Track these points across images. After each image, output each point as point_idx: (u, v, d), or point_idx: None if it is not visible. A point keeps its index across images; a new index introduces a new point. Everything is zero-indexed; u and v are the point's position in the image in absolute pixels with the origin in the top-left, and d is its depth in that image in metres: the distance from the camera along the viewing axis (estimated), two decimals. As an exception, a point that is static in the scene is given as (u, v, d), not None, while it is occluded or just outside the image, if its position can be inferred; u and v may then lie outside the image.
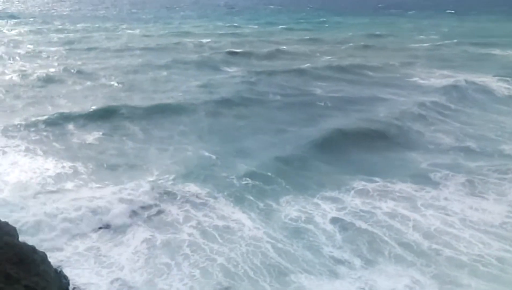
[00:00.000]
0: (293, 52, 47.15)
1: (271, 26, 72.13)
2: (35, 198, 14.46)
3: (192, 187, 15.67)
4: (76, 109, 24.09)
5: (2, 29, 61.77)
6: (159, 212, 14.28)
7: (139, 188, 15.33)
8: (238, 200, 15.12)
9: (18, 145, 18.99)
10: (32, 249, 9.14)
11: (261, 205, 14.96)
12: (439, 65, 40.42)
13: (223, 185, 15.99)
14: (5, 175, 16.02)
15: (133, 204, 14.27)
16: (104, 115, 23.19)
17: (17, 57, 39.85)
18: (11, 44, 47.27)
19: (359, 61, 41.17)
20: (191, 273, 11.49)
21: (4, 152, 18.18)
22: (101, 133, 21.19)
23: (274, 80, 33.08)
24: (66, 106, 25.12)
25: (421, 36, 61.51)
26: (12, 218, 12.09)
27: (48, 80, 31.28)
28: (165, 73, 34.97)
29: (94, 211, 13.73)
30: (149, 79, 32.73)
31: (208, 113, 24.58)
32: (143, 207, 14.33)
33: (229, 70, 37.32)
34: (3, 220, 9.54)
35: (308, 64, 38.93)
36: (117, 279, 11.11)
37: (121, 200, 14.42)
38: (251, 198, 15.32)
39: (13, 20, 75.51)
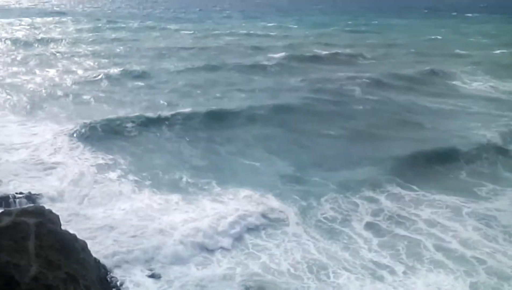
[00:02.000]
0: (348, 55, 46.23)
1: (322, 28, 71.52)
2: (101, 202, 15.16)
3: (247, 192, 16.03)
4: (134, 112, 24.63)
5: (61, 26, 65.16)
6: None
7: (198, 195, 15.96)
8: (283, 198, 15.73)
9: (76, 148, 19.63)
10: (74, 237, 9.76)
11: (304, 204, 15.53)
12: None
13: (273, 186, 16.63)
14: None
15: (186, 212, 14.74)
16: (165, 120, 23.58)
17: (75, 57, 41.85)
18: (70, 42, 50.10)
19: (421, 68, 38.92)
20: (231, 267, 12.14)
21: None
22: (160, 138, 21.70)
23: (330, 87, 32.47)
24: (121, 109, 25.98)
25: (485, 41, 58.78)
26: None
27: (106, 81, 32.58)
28: (215, 76, 35.25)
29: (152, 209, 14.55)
30: (200, 83, 33.08)
31: (264, 120, 24.63)
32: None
33: (281, 74, 37.04)
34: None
35: (367, 72, 37.24)
36: (156, 273, 11.66)
37: (178, 207, 14.98)
38: (296, 197, 15.89)
39: (65, 17, 79.10)
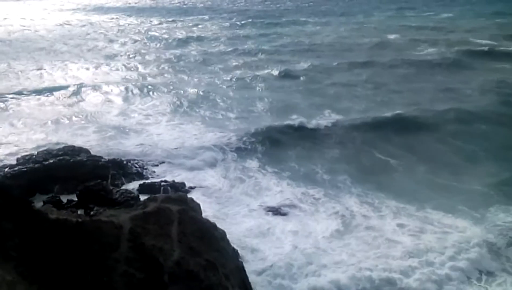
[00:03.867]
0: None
1: (495, 18, 65.40)
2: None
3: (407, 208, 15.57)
4: (284, 115, 24.94)
5: (207, 23, 68.69)
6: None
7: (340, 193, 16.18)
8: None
9: (221, 145, 20.60)
10: (213, 226, 10.32)
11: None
12: None
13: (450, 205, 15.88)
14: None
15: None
16: (317, 125, 23.53)
17: (222, 55, 43.79)
18: (215, 40, 52.89)
19: None
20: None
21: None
22: (316, 145, 21.63)
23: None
24: (268, 107, 26.96)
25: None
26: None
27: (256, 81, 33.25)
28: (371, 74, 34.46)
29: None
30: (355, 81, 32.61)
31: (431, 127, 23.30)
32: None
33: (448, 73, 34.76)
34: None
35: None
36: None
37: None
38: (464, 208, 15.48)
39: (212, 15, 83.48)
